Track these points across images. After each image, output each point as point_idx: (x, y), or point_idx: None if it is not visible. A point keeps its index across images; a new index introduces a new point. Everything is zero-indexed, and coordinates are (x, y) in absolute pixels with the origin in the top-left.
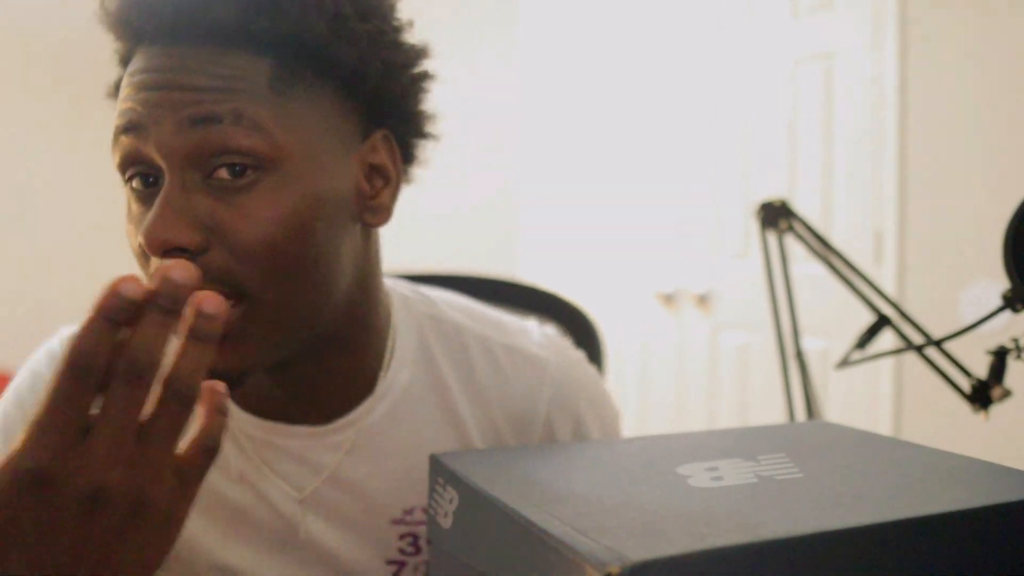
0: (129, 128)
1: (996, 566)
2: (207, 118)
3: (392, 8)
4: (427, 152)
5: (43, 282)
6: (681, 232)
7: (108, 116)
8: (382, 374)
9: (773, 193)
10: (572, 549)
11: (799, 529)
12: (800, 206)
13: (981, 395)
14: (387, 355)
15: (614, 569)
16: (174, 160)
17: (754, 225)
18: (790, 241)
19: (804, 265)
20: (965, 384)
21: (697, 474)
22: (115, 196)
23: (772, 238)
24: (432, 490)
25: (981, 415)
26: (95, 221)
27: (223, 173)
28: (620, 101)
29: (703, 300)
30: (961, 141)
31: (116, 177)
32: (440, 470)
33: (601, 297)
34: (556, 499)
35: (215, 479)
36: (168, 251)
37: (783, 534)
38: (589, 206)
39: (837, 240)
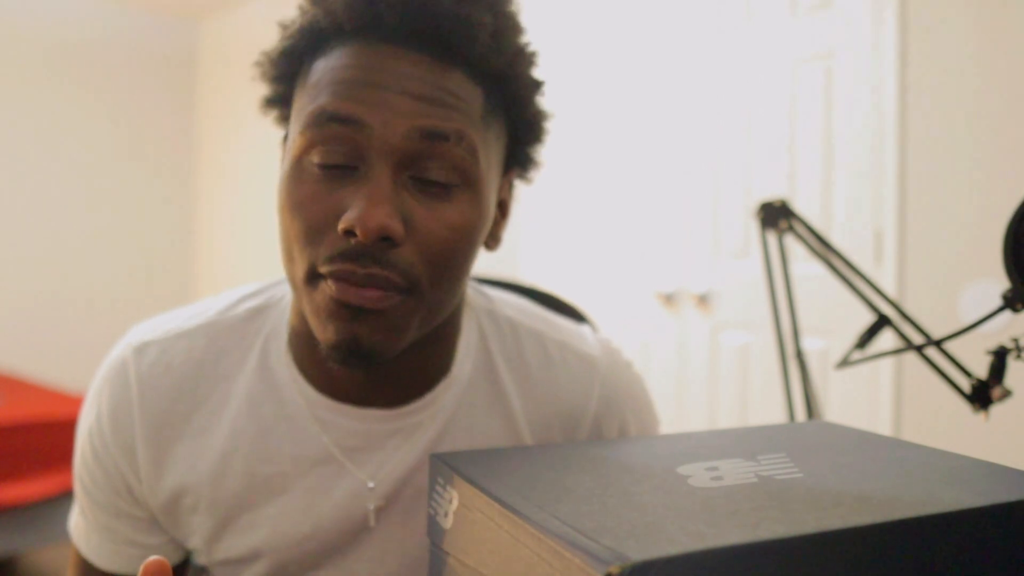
0: (348, 120)
1: (996, 566)
2: (438, 134)
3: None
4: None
5: (43, 282)
6: (681, 232)
7: (110, 118)
8: (451, 366)
9: (773, 193)
10: (572, 549)
11: (799, 529)
12: (800, 206)
13: (981, 395)
14: (456, 350)
15: (614, 569)
16: (392, 159)
17: (754, 225)
18: (790, 241)
19: (804, 265)
20: (965, 384)
21: (697, 474)
22: (115, 196)
23: (772, 238)
24: (432, 490)
25: (981, 415)
26: (97, 221)
27: (427, 179)
28: (620, 101)
29: (703, 300)
30: (961, 141)
31: (117, 178)
32: (440, 470)
33: (601, 297)
34: (556, 499)
35: (294, 461)
36: (379, 239)
37: (783, 534)
38: (589, 206)
39: (837, 240)
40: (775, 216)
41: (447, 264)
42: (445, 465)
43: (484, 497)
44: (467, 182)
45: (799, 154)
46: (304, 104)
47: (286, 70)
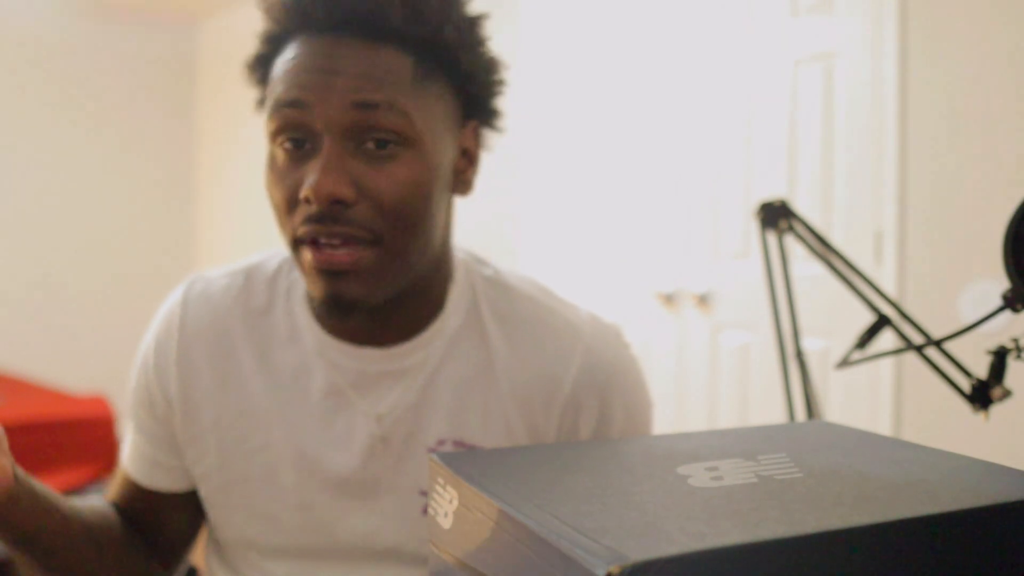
0: (295, 104)
1: (996, 566)
2: (367, 104)
3: (486, 21)
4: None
5: (44, 283)
6: (681, 232)
7: (109, 122)
8: (438, 316)
9: (773, 193)
10: (572, 549)
11: (799, 529)
12: (800, 206)
13: (981, 395)
14: (445, 302)
15: (614, 569)
16: (336, 132)
17: (754, 225)
18: (790, 241)
19: (804, 265)
20: (965, 384)
21: (697, 474)
22: (115, 199)
23: (772, 238)
24: (432, 490)
25: (981, 415)
26: (97, 223)
27: (371, 144)
28: (620, 101)
29: (703, 300)
30: (961, 141)
31: (116, 181)
32: (440, 470)
33: (601, 297)
34: (556, 499)
35: (303, 392)
36: (332, 202)
37: (783, 534)
38: (589, 206)
39: (837, 240)
40: (775, 216)
41: (403, 214)
42: (445, 465)
43: (484, 497)
44: (406, 141)
45: (799, 154)
46: (268, 97)
47: (262, 74)
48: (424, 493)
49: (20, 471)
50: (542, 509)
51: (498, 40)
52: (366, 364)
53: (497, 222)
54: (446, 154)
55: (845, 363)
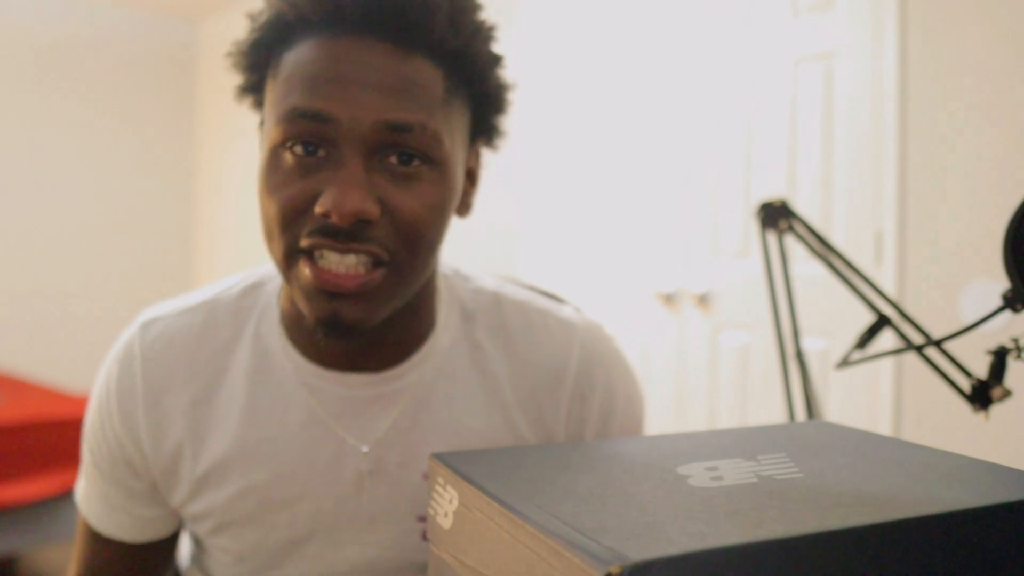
0: (317, 116)
1: (996, 566)
2: (401, 126)
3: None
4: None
5: (43, 282)
6: (681, 232)
7: (109, 118)
8: (429, 336)
9: (773, 193)
10: (572, 549)
11: (799, 529)
12: (800, 206)
13: (981, 395)
14: (436, 320)
15: (614, 569)
16: (362, 147)
17: (754, 225)
18: (790, 241)
19: (804, 265)
20: (965, 384)
21: (697, 474)
22: (115, 196)
23: (772, 238)
24: (432, 490)
25: (981, 415)
26: (97, 221)
27: (396, 161)
28: (620, 101)
29: (703, 300)
30: (961, 141)
31: (117, 178)
32: (440, 470)
33: (601, 297)
34: (556, 499)
35: (282, 426)
36: (355, 221)
37: (783, 534)
38: (589, 206)
39: (837, 240)
40: (775, 216)
41: (422, 237)
42: (445, 465)
43: (484, 497)
44: (433, 162)
45: (799, 154)
46: (277, 98)
47: (256, 60)
48: (422, 519)
49: None
50: (542, 509)
51: (498, 40)
52: (353, 391)
53: (497, 221)
54: (460, 174)
55: (845, 363)
